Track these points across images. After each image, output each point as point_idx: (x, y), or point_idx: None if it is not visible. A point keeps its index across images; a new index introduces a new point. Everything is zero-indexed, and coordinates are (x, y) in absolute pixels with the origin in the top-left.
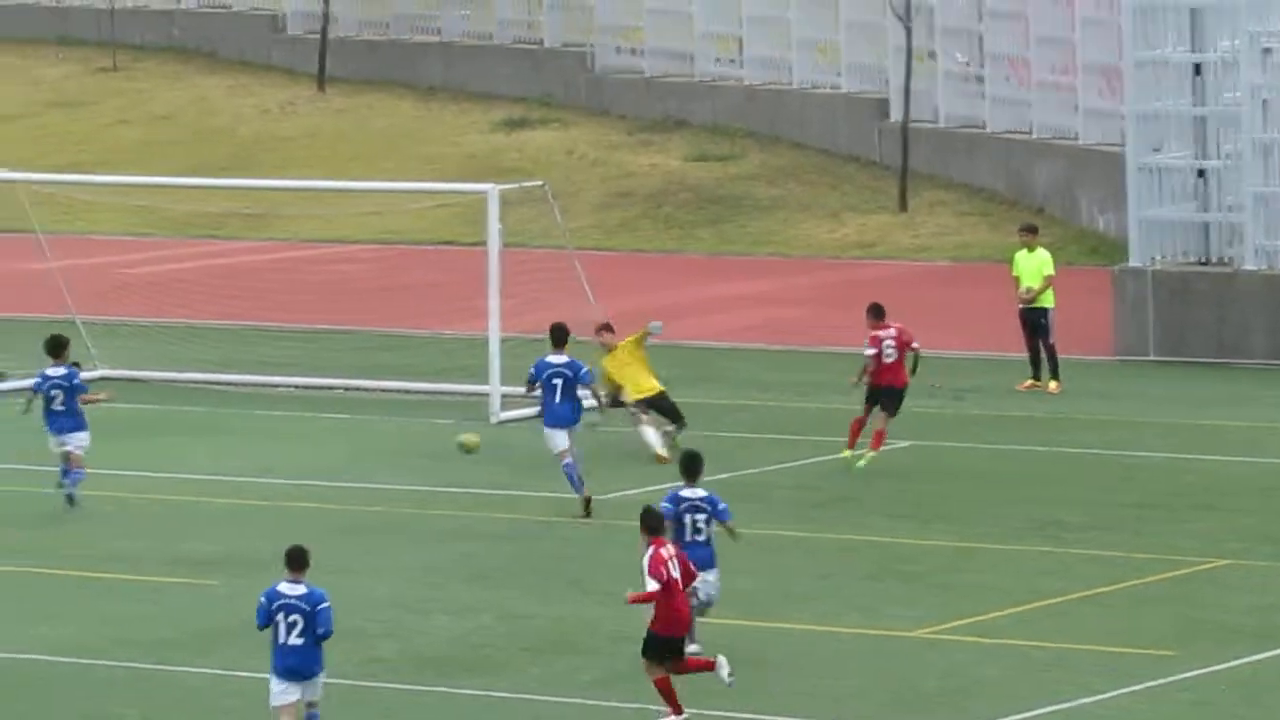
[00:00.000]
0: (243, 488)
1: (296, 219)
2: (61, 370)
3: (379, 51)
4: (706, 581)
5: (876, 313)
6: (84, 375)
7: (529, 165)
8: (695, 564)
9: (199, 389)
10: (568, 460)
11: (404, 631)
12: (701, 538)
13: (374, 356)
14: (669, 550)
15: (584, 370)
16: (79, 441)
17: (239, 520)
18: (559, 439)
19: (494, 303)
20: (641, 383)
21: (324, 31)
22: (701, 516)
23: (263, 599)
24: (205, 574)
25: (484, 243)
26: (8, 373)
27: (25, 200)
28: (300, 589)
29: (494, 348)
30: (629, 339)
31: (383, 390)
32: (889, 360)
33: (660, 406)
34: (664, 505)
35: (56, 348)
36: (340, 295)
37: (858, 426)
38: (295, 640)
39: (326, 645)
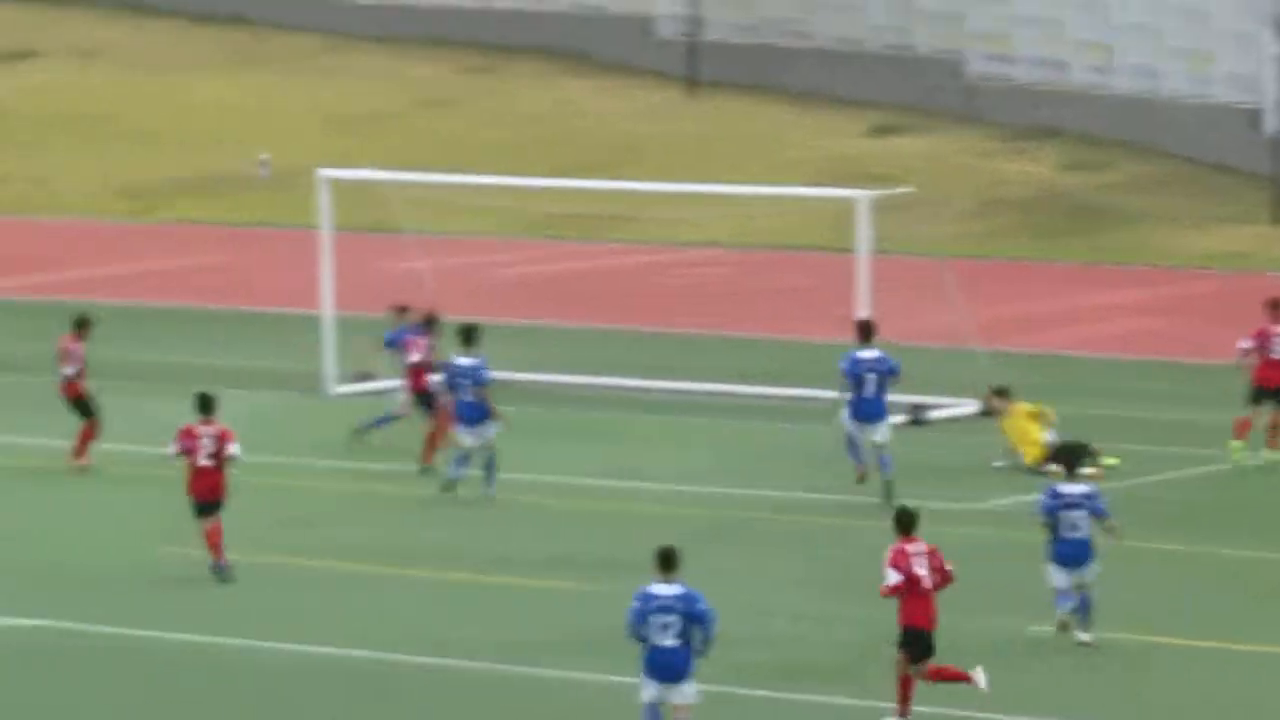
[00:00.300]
0: (612, 491)
1: (663, 222)
2: (470, 361)
3: (749, 55)
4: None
5: (1276, 306)
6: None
7: (898, 172)
8: (1072, 559)
9: (564, 392)
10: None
11: (772, 638)
12: (1079, 534)
13: (737, 360)
14: (916, 546)
15: (894, 364)
16: (487, 433)
17: (610, 524)
18: (873, 432)
19: (861, 309)
20: (1034, 440)
21: (695, 35)
22: (1080, 513)
23: (635, 601)
24: (582, 578)
25: (851, 248)
26: (377, 373)
27: (395, 200)
28: (675, 589)
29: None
30: (1025, 408)
31: (747, 395)
32: (1275, 357)
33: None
34: (1043, 500)
35: (469, 337)
36: (705, 299)
37: (1244, 425)
38: (669, 642)
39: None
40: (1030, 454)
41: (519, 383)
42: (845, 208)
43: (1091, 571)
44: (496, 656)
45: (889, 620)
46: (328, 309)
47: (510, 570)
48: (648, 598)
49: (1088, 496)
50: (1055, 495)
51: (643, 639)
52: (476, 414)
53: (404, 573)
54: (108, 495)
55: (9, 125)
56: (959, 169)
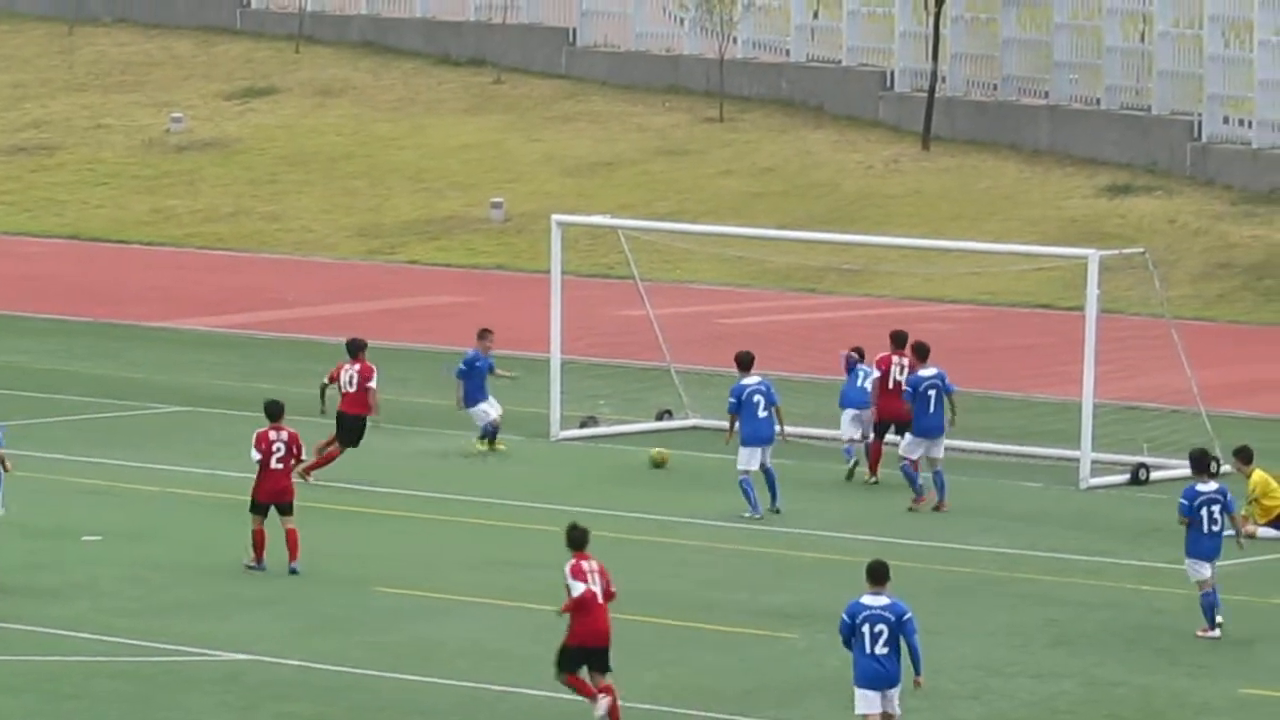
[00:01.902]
0: (829, 543)
1: (895, 276)
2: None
3: (986, 112)
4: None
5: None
6: (673, 424)
7: (1131, 232)
8: (1208, 553)
9: (786, 443)
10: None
11: (987, 694)
12: (1217, 528)
13: (965, 417)
14: (591, 564)
15: (950, 383)
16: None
17: (819, 573)
18: (934, 447)
19: (1089, 368)
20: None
21: (931, 90)
22: (1216, 508)
23: (845, 616)
24: (784, 627)
25: (1081, 308)
26: (600, 417)
27: (627, 246)
28: (883, 599)
29: (1086, 413)
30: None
31: (972, 450)
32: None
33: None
34: (1181, 502)
35: (746, 363)
36: (934, 354)
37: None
38: (880, 650)
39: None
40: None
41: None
42: (1078, 267)
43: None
44: (703, 705)
45: (1110, 676)
46: (556, 353)
47: (711, 617)
48: (859, 608)
49: (1221, 492)
50: (1193, 495)
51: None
52: (769, 431)
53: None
54: (328, 530)
55: (247, 161)
56: (1190, 230)
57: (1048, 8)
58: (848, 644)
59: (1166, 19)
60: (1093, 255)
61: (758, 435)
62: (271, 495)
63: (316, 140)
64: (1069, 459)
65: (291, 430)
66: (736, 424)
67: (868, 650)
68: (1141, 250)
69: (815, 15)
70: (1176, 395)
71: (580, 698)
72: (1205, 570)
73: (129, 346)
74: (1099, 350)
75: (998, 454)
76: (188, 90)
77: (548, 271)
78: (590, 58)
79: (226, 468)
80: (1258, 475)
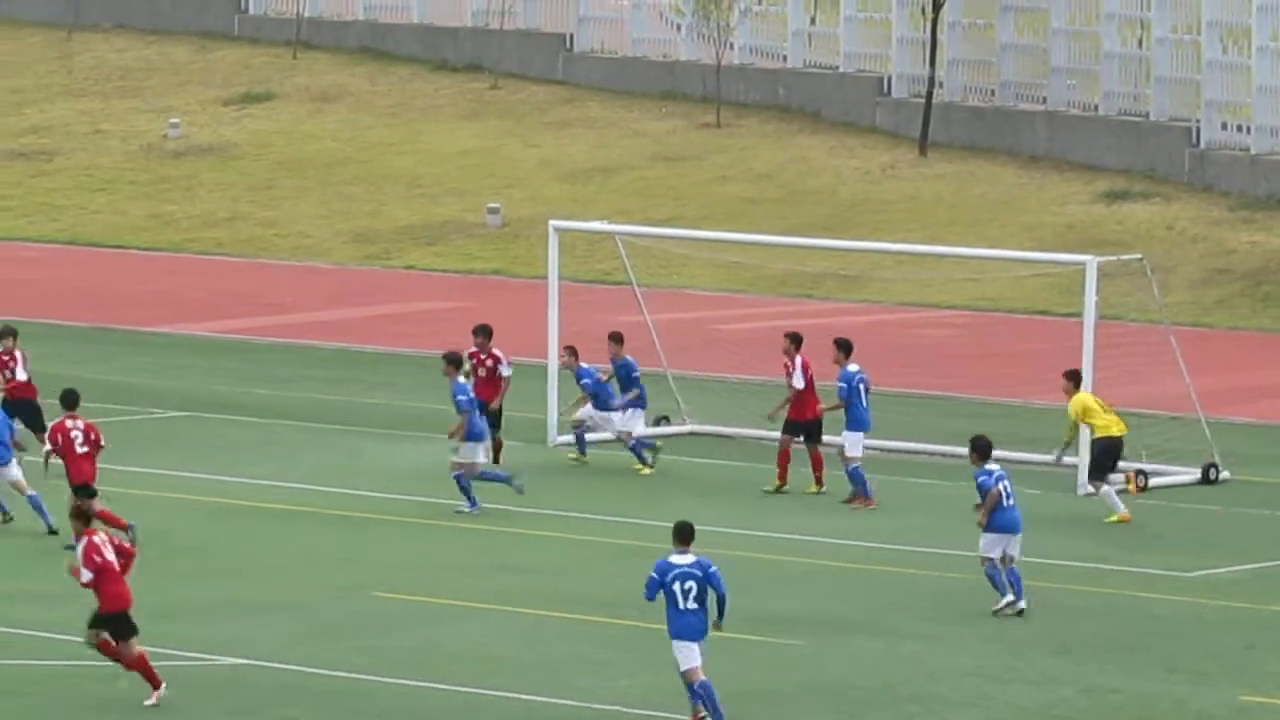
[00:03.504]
0: (829, 549)
1: (892, 282)
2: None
3: (983, 118)
4: None
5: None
6: (671, 430)
7: (1128, 238)
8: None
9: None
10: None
11: (985, 701)
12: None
13: (960, 423)
14: (101, 538)
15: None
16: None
17: (824, 581)
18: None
19: (1087, 374)
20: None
21: (929, 96)
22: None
23: (654, 574)
24: (789, 633)
25: (1079, 314)
26: (594, 424)
27: (624, 252)
28: (690, 557)
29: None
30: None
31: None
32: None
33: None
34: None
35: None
36: (931, 360)
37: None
38: (691, 605)
39: None
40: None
41: (738, 437)
42: (1075, 273)
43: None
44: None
45: (1109, 683)
46: (553, 359)
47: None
48: (668, 567)
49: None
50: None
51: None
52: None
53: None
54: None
55: (243, 167)
56: (1188, 237)
57: (1045, 14)
58: (652, 598)
59: (1164, 25)
60: (1090, 261)
61: (864, 422)
62: (80, 478)
63: (314, 146)
64: (1066, 466)
65: (90, 422)
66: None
67: (680, 606)
68: (1139, 256)
69: (812, 21)
70: (1175, 401)
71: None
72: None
73: (127, 351)
74: (1097, 356)
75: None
76: (185, 96)
77: (545, 277)
78: (587, 63)
79: (224, 473)
80: (1077, 398)
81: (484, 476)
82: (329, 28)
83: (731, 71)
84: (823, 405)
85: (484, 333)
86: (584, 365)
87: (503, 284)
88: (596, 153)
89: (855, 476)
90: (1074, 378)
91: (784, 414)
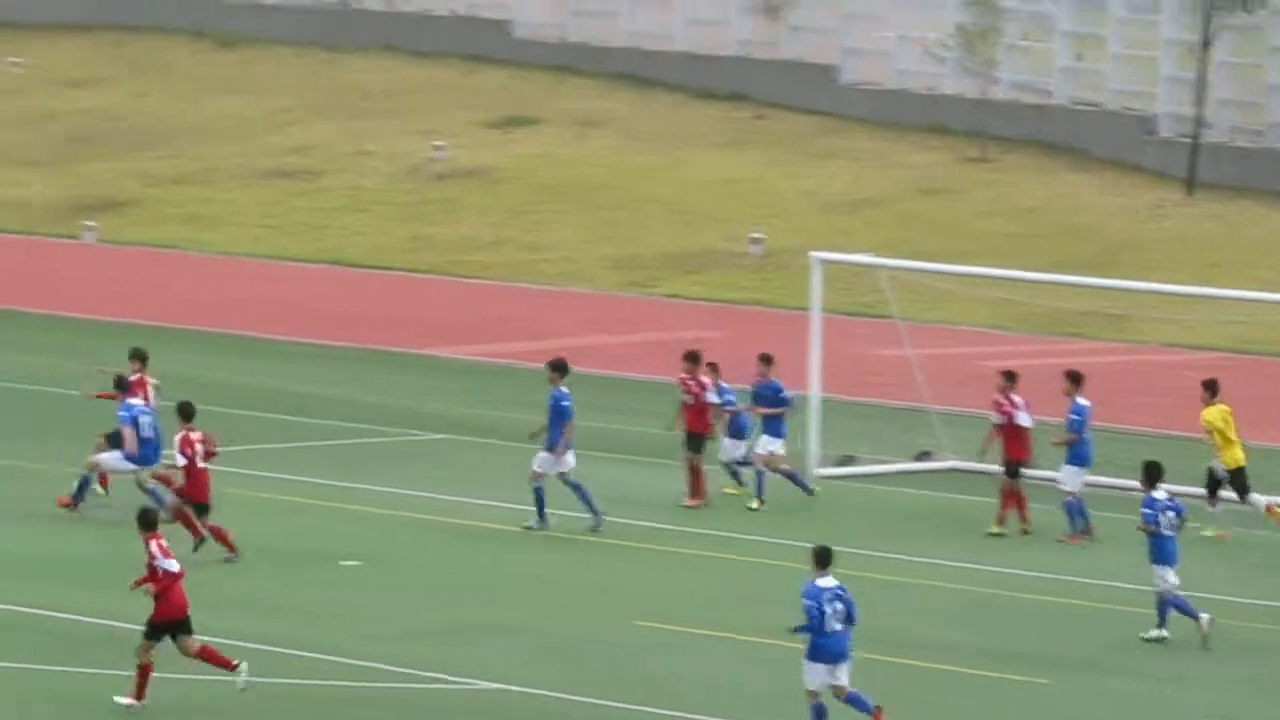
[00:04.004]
0: (1062, 586)
1: (1158, 322)
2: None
3: (1251, 158)
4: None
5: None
6: (931, 465)
7: None
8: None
9: (1043, 485)
10: None
11: None
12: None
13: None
14: (166, 543)
15: None
16: None
17: (1059, 618)
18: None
19: None
20: None
21: (1196, 135)
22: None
23: (809, 599)
24: (1034, 671)
25: None
26: (858, 457)
27: (887, 285)
28: (831, 580)
29: None
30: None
31: (1229, 500)
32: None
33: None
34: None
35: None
36: (1193, 402)
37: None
38: (837, 626)
39: None
40: None
41: (993, 473)
42: None
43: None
44: None
45: None
46: (815, 390)
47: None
48: (818, 591)
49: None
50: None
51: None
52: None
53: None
54: (581, 560)
55: (507, 191)
56: None
57: None
58: (820, 624)
59: None
60: None
61: (1086, 457)
62: (202, 494)
63: (577, 171)
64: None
65: (205, 431)
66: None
67: (826, 628)
68: None
69: (1078, 57)
70: None
71: None
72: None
73: (387, 372)
74: None
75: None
76: (450, 118)
77: (806, 308)
78: (851, 95)
79: (479, 495)
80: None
81: (578, 492)
82: (594, 53)
83: (996, 106)
84: (1054, 439)
85: (692, 359)
86: (723, 384)
87: (763, 314)
88: (859, 184)
89: (1072, 509)
90: (1210, 387)
91: (993, 449)
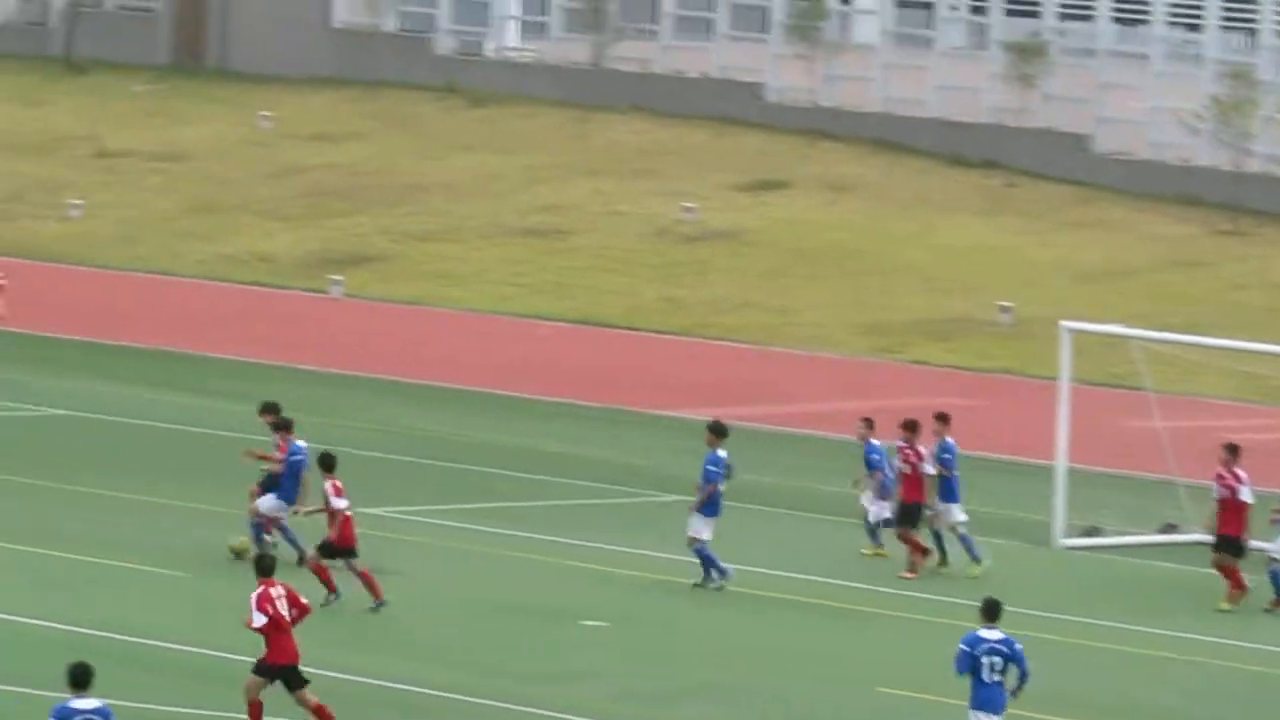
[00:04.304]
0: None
1: None
2: None
3: None
4: None
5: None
6: (1177, 538)
7: None
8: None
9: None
10: None
11: None
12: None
13: None
14: (278, 591)
15: None
16: None
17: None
18: None
19: None
20: None
21: None
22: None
23: (965, 646)
24: None
25: None
26: (1104, 529)
27: (1137, 356)
28: (998, 633)
29: None
30: None
31: None
32: None
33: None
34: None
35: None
36: None
37: None
38: (996, 678)
39: None
40: None
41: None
42: None
43: None
44: None
45: None
46: (1061, 460)
47: None
48: (977, 640)
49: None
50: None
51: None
52: None
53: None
54: (817, 626)
55: (756, 254)
56: None
57: None
58: (963, 673)
59: None
60: None
61: None
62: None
63: (827, 236)
64: None
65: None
66: None
67: (985, 678)
68: None
69: None
70: None
71: None
72: None
73: (634, 432)
74: None
75: None
76: (701, 180)
77: (1055, 378)
78: (1105, 164)
79: (726, 559)
80: None
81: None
82: (846, 118)
83: (1251, 179)
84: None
85: (911, 428)
86: (874, 441)
87: (1012, 383)
88: (1111, 255)
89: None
90: None
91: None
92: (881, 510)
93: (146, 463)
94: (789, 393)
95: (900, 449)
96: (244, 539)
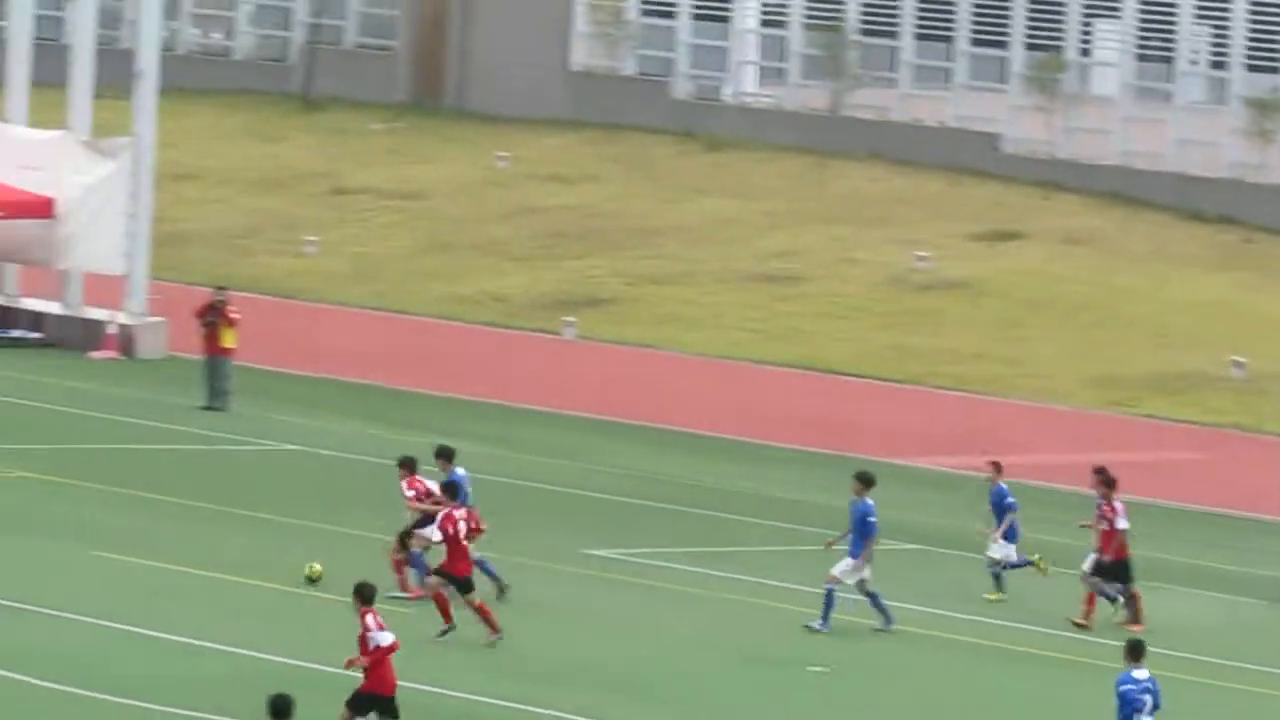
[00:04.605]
0: None
1: None
2: None
3: None
4: None
5: None
6: None
7: None
8: None
9: None
10: None
11: None
12: None
13: None
14: (380, 620)
15: None
16: None
17: None
18: None
19: None
20: None
21: None
22: None
23: (1131, 687)
24: None
25: None
26: None
27: None
28: (1145, 672)
29: None
30: None
31: None
32: None
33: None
34: None
35: None
36: None
37: None
38: (1148, 717)
39: None
40: None
41: None
42: None
43: None
44: None
45: None
46: None
47: None
48: (1131, 679)
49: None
50: None
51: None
52: None
53: None
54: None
55: (988, 304)
56: None
57: None
58: (1130, 716)
59: None
60: None
61: None
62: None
63: (1060, 288)
64: None
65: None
66: None
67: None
68: None
69: None
70: None
71: None
72: None
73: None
74: None
75: None
76: (935, 229)
77: None
78: None
79: (949, 608)
80: None
81: (872, 600)
82: (1082, 170)
83: None
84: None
85: (1107, 482)
86: (1001, 483)
87: (1244, 439)
88: None
89: None
90: None
91: None
92: (1009, 553)
93: (374, 499)
94: (1018, 443)
95: (1097, 504)
96: (319, 565)
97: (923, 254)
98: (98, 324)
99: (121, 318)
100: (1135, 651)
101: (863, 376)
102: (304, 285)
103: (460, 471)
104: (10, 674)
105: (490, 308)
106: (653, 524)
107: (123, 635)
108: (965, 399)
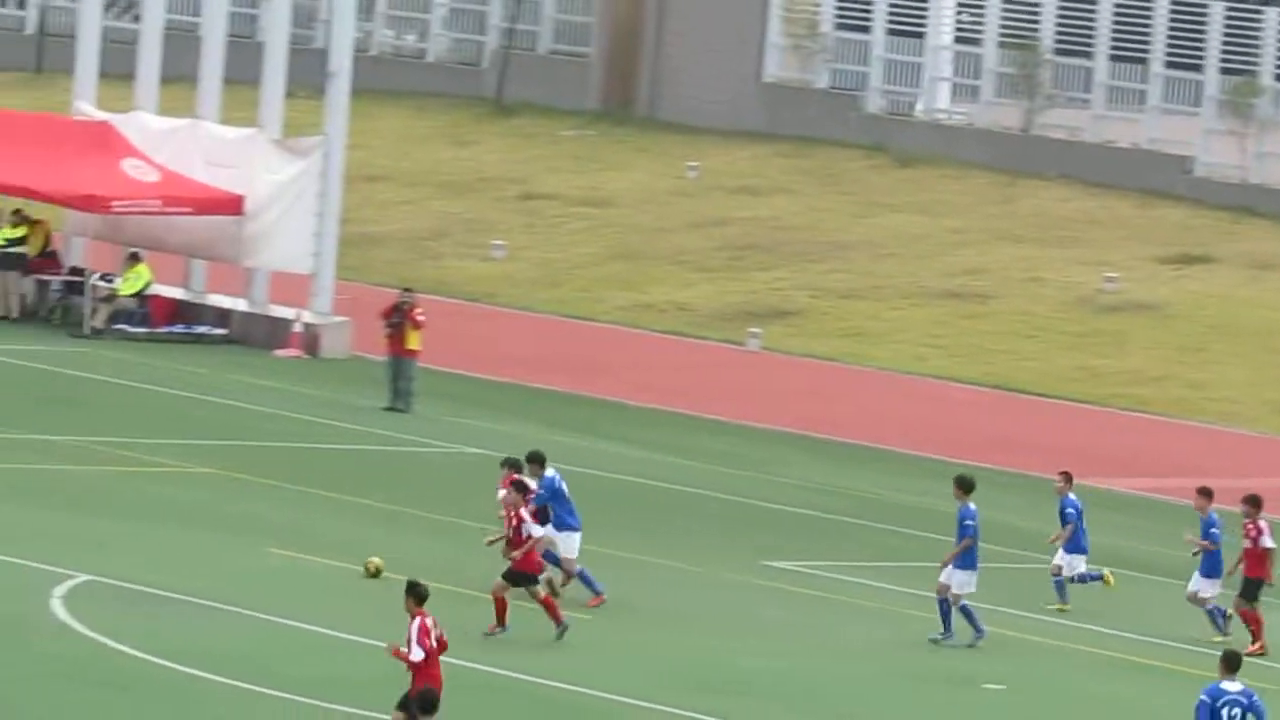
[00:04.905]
0: None
1: None
2: None
3: None
4: None
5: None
6: None
7: None
8: None
9: None
10: None
11: None
12: None
13: None
14: (432, 620)
15: None
16: None
17: None
18: None
19: None
20: None
21: None
22: None
23: (1205, 696)
24: None
25: None
26: None
27: None
28: (1238, 685)
29: None
30: None
31: None
32: None
33: None
34: None
35: None
36: None
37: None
38: None
39: None
40: None
41: None
42: None
43: None
44: None
45: None
46: None
47: None
48: (1218, 693)
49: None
50: None
51: None
52: None
53: None
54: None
55: (1175, 327)
56: None
57: None
58: None
59: None
60: None
61: None
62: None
63: (1249, 312)
64: None
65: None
66: None
67: None
68: None
69: None
70: None
71: None
72: None
73: (1044, 498)
74: None
75: None
76: (1123, 251)
77: None
78: None
79: (1126, 629)
80: None
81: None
82: (1274, 195)
83: None
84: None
85: (1252, 503)
86: (1071, 495)
87: None
88: None
89: None
90: None
91: None
92: (1074, 566)
93: None
94: (1201, 467)
95: (1244, 524)
96: (379, 560)
97: (1111, 275)
98: (283, 322)
99: (307, 316)
100: (1230, 663)
101: (1047, 396)
102: (490, 289)
103: (550, 474)
104: (191, 670)
105: (675, 317)
106: (833, 537)
107: (303, 634)
108: (1147, 420)
